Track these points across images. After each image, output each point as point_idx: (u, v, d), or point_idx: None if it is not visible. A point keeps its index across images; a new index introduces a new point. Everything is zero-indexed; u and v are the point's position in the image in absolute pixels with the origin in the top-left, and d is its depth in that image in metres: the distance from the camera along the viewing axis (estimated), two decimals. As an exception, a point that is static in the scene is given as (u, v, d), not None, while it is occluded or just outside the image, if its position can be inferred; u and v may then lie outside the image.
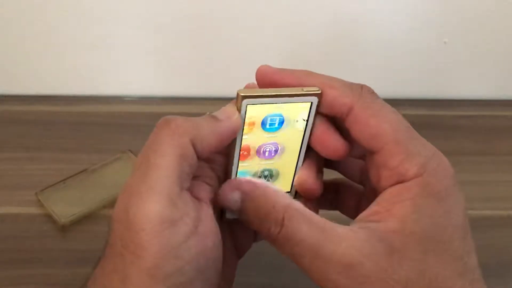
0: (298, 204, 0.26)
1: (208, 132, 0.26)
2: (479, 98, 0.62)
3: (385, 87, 0.61)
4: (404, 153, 0.26)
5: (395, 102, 0.64)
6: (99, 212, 0.45)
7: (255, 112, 0.27)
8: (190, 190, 0.26)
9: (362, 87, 0.27)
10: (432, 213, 0.25)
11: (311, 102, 0.27)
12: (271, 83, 0.28)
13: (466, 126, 0.58)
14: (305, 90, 0.27)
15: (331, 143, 0.28)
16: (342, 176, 0.33)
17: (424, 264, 0.24)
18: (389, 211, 0.25)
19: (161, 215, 0.23)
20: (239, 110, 0.27)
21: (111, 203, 0.40)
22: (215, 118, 0.27)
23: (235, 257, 0.32)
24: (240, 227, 0.32)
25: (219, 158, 0.29)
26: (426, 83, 0.62)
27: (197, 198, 0.27)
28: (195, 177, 0.27)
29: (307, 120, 0.28)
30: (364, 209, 0.28)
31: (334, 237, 0.25)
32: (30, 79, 0.60)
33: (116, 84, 0.60)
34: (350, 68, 0.59)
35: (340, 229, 0.25)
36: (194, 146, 0.25)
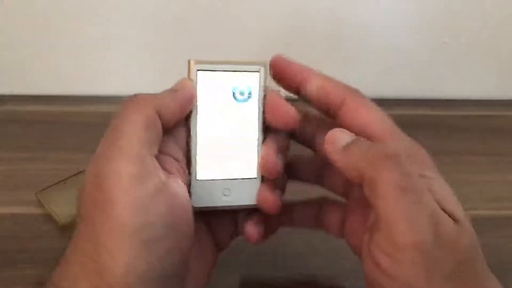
0: None
1: (169, 101, 0.28)
2: (479, 98, 0.62)
3: (386, 87, 0.62)
4: (390, 138, 0.28)
5: (395, 102, 0.64)
6: (99, 212, 0.44)
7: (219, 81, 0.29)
8: (159, 162, 0.27)
9: (353, 88, 0.31)
10: (442, 186, 0.27)
11: (259, 72, 0.29)
12: (281, 67, 0.31)
13: (466, 126, 0.58)
14: (253, 60, 0.29)
15: (282, 109, 0.30)
16: (324, 194, 0.35)
17: (460, 244, 0.25)
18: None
19: (130, 172, 0.25)
20: (191, 78, 0.29)
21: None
22: (173, 89, 0.29)
23: (212, 250, 0.32)
24: (215, 218, 0.32)
25: (182, 133, 0.30)
26: (426, 83, 0.62)
27: (165, 170, 0.27)
28: (162, 152, 0.28)
29: (259, 93, 0.30)
30: (349, 225, 0.31)
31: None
32: (30, 79, 0.60)
33: (116, 84, 0.60)
34: (351, 68, 0.60)
35: None
36: (158, 114, 0.27)
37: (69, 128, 0.55)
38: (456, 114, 0.60)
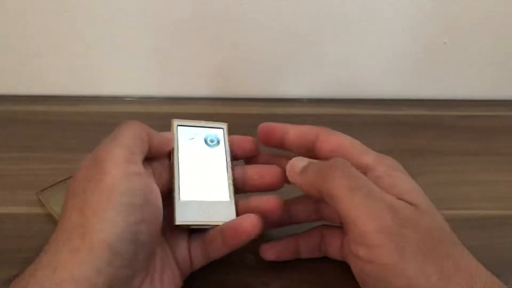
0: None
1: (156, 134, 0.34)
2: (479, 98, 0.62)
3: (385, 87, 0.62)
4: (360, 153, 0.34)
5: (395, 102, 0.64)
6: (99, 212, 0.44)
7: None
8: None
9: (322, 126, 0.37)
10: (405, 181, 0.32)
11: (223, 128, 0.39)
12: (266, 128, 0.38)
13: (466, 126, 0.58)
14: (218, 122, 0.40)
15: (243, 139, 0.39)
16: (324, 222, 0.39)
17: (421, 223, 0.30)
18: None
19: (123, 155, 0.30)
20: (173, 131, 0.37)
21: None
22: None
23: (174, 266, 0.35)
24: (173, 237, 0.35)
25: (161, 168, 0.35)
26: (426, 83, 0.62)
27: None
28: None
29: (224, 142, 0.39)
30: (345, 245, 0.36)
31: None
32: (30, 79, 0.60)
33: (116, 84, 0.60)
34: (350, 68, 0.60)
35: None
36: (147, 136, 0.33)
37: (69, 128, 0.55)
38: (456, 114, 0.60)
